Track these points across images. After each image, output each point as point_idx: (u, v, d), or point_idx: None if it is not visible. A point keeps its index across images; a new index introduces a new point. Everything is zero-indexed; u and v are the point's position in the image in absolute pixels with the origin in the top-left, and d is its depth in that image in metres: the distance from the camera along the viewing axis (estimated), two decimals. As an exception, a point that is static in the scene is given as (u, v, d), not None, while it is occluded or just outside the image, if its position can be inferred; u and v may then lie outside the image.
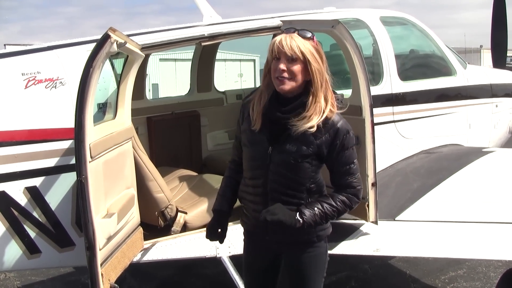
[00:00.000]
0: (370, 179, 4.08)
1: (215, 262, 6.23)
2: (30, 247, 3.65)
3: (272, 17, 4.84)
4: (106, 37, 3.09)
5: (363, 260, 6.50)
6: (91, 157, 3.14)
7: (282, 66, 2.73)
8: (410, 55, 6.10)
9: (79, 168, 3.07)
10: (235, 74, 34.46)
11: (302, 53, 2.71)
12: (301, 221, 2.79)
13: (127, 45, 3.37)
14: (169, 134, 5.74)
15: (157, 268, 6.41)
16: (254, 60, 38.32)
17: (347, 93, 4.91)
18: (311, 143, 2.80)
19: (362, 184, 3.05)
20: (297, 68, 2.74)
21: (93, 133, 3.20)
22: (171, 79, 27.97)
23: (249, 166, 2.99)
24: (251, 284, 3.30)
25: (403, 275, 6.23)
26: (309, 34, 2.77)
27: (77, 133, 3.06)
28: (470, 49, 45.83)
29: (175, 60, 30.90)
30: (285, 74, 2.74)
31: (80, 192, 3.10)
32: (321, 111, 2.77)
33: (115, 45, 3.15)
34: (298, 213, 2.80)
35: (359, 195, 2.94)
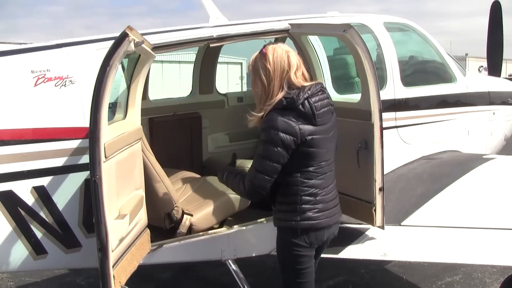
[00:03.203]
0: (378, 184, 4.07)
1: (213, 265, 6.25)
2: (37, 248, 3.58)
3: (279, 20, 4.84)
4: (124, 35, 3.05)
5: (359, 264, 6.51)
6: (105, 157, 3.09)
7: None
8: (413, 61, 6.13)
9: (93, 168, 3.02)
10: (223, 77, 34.52)
11: (249, 69, 3.35)
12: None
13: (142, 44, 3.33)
14: (171, 135, 5.69)
15: (154, 270, 6.37)
16: (241, 64, 38.33)
17: (351, 97, 4.94)
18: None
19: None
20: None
21: (107, 133, 3.16)
22: (175, 81, 27.83)
23: None
24: None
25: (400, 280, 6.25)
26: (262, 48, 3.29)
27: (92, 132, 3.01)
28: (456, 57, 46.26)
29: (179, 62, 30.85)
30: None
31: (93, 193, 3.04)
32: (252, 116, 3.32)
33: (132, 44, 3.11)
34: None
35: (246, 183, 3.31)
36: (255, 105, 3.44)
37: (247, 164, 5.55)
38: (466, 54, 49.02)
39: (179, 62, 31.31)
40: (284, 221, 3.38)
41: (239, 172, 3.49)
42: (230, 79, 31.61)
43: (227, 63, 33.20)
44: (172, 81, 27.30)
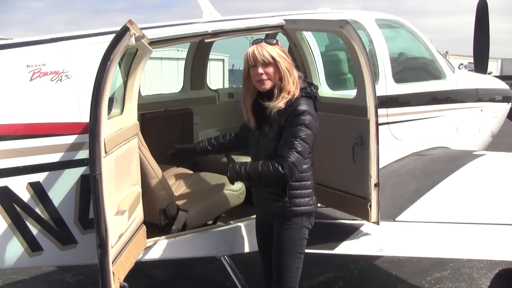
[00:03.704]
0: (373, 180, 4.08)
1: (203, 261, 6.22)
2: (32, 244, 3.52)
3: (273, 16, 4.83)
4: (125, 29, 3.01)
5: (348, 261, 6.56)
6: (105, 152, 3.06)
7: (260, 70, 3.40)
8: (404, 57, 6.15)
9: (93, 163, 2.98)
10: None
11: (272, 57, 3.39)
12: (228, 174, 3.55)
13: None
14: (162, 131, 5.65)
15: (146, 267, 6.33)
16: (223, 60, 38.22)
17: (343, 93, 4.96)
18: (277, 122, 3.43)
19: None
20: (271, 70, 3.41)
21: (107, 128, 3.12)
22: (156, 78, 27.64)
23: (249, 147, 3.81)
24: (259, 247, 3.93)
25: (390, 276, 6.30)
26: (274, 41, 3.48)
27: (92, 127, 2.97)
28: (436, 55, 46.58)
29: (161, 59, 30.66)
30: (264, 76, 3.42)
31: (93, 189, 3.01)
32: (289, 94, 3.42)
33: (133, 39, 3.08)
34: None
35: (284, 165, 3.34)
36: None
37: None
38: (446, 52, 49.40)
39: (161, 58, 31.16)
40: (302, 207, 3.57)
41: (257, 162, 3.50)
42: (212, 75, 31.50)
43: (209, 59, 33.04)
44: (154, 77, 27.16)
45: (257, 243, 3.95)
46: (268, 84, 3.45)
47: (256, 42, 3.48)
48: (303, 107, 3.41)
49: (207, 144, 4.14)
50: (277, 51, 3.42)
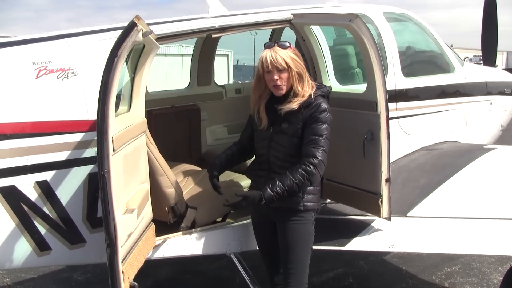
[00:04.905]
0: (384, 175, 4.03)
1: (210, 259, 6.19)
2: (40, 244, 3.48)
3: (280, 11, 4.77)
4: (132, 25, 2.96)
5: (358, 256, 6.52)
6: (113, 150, 3.01)
7: (276, 77, 3.48)
8: (412, 51, 6.07)
9: (101, 162, 2.93)
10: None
11: (286, 63, 3.45)
12: (263, 200, 3.43)
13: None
14: (169, 128, 5.61)
15: (152, 265, 6.30)
16: (227, 56, 38.23)
17: (352, 87, 4.90)
18: (299, 119, 3.51)
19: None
20: (286, 75, 3.48)
21: (115, 125, 3.07)
22: (161, 74, 27.58)
23: (257, 146, 3.77)
24: (261, 244, 3.98)
25: (400, 271, 6.27)
26: (286, 44, 3.54)
27: (100, 125, 2.92)
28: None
29: (165, 55, 30.62)
30: (279, 82, 3.49)
31: (101, 187, 2.96)
32: (302, 96, 3.51)
33: (140, 34, 3.03)
34: (262, 194, 3.42)
35: (315, 163, 3.43)
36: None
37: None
38: (452, 45, 49.19)
39: (165, 54, 31.14)
40: (313, 203, 3.65)
41: (285, 176, 3.45)
42: (216, 71, 31.52)
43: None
44: (158, 73, 27.18)
45: (257, 241, 4.00)
46: (284, 90, 3.53)
47: (269, 46, 3.52)
48: (325, 105, 3.54)
49: (224, 161, 3.98)
50: (290, 55, 3.49)
